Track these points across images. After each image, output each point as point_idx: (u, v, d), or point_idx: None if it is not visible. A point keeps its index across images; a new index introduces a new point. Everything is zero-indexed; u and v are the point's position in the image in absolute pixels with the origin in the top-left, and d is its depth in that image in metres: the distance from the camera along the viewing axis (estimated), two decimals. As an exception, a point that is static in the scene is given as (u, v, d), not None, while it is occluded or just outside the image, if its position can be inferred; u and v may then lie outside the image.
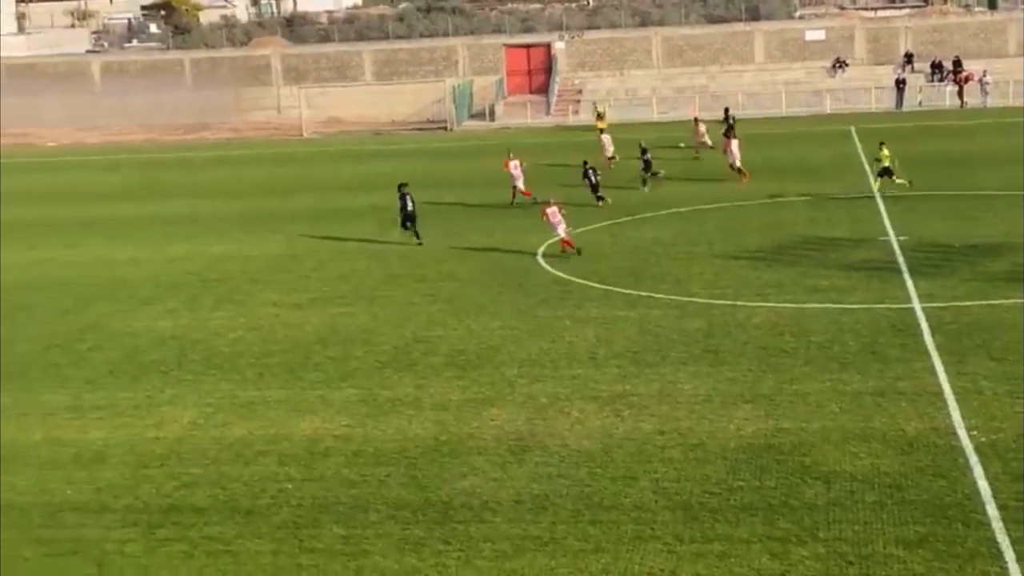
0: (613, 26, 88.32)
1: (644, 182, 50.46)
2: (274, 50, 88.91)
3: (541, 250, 39.29)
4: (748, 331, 29.44)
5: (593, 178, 46.83)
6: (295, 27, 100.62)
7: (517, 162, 49.26)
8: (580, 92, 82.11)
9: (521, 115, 79.89)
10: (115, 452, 23.46)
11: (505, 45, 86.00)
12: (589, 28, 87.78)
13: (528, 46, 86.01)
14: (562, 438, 23.05)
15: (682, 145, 61.55)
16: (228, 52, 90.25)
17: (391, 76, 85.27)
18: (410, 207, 41.65)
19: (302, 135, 78.02)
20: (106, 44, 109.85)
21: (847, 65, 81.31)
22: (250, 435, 24.04)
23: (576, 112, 78.71)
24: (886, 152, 46.42)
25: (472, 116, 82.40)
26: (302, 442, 23.52)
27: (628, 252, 38.83)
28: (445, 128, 78.26)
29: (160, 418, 25.29)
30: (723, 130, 58.83)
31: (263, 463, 22.56)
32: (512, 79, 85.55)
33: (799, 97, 78.17)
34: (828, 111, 75.87)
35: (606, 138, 58.43)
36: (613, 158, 56.15)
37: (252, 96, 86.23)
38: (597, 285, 34.60)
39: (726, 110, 66.78)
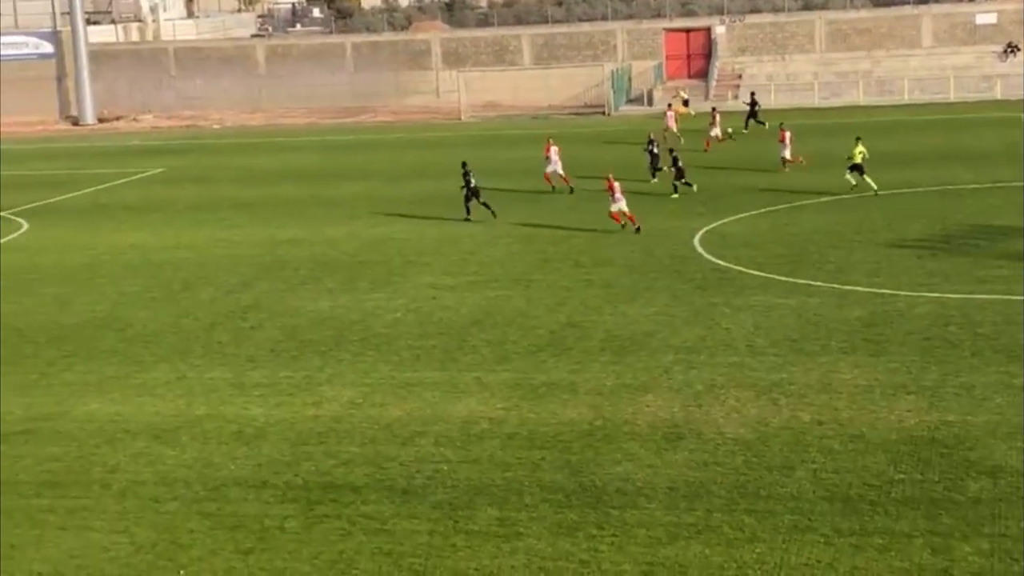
0: (775, 10, 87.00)
1: (653, 174, 49.83)
2: (434, 34, 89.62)
3: (698, 237, 38.93)
4: (911, 321, 28.78)
5: (677, 163, 46.43)
6: (455, 11, 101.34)
7: (556, 148, 50.25)
8: (740, 77, 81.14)
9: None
10: (275, 429, 23.91)
11: (665, 29, 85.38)
12: (750, 12, 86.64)
13: (688, 30, 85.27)
14: (718, 426, 22.82)
15: (730, 130, 62.38)
16: (389, 36, 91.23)
17: (549, 60, 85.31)
18: (472, 183, 43.47)
19: (460, 119, 78.53)
20: (270, 28, 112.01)
21: (1019, 50, 78.87)
22: (407, 416, 24.28)
23: (735, 97, 77.78)
24: (860, 148, 45.19)
25: (630, 101, 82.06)
26: (458, 424, 23.67)
27: (787, 239, 38.25)
28: (603, 113, 78.04)
29: (319, 397, 25.69)
30: (747, 116, 61.82)
31: (419, 444, 22.76)
32: (671, 63, 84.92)
33: (968, 83, 76.10)
34: (999, 97, 73.72)
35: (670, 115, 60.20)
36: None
37: (411, 80, 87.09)
38: (755, 272, 34.16)
39: (752, 94, 66.65)
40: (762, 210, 43.01)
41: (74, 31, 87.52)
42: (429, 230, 42.72)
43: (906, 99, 74.97)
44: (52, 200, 53.56)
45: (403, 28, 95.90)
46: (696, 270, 34.84)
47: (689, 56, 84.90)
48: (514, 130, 72.27)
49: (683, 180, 46.36)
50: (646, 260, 36.36)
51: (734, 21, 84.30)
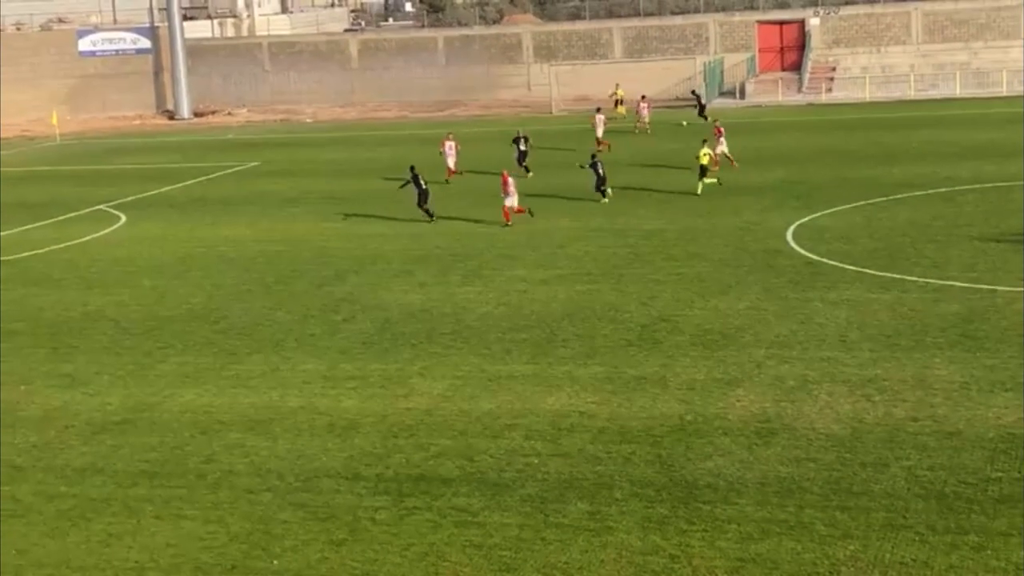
0: (871, 1, 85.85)
1: (527, 169, 50.37)
2: (525, 28, 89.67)
3: (791, 231, 38.58)
4: (1009, 317, 28.28)
5: (599, 169, 46.23)
6: (546, 5, 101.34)
7: (453, 143, 52.97)
8: (834, 69, 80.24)
9: (772, 93, 78.58)
10: (367, 421, 24.07)
11: (758, 22, 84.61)
12: (845, 3, 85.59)
13: (781, 22, 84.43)
14: (810, 421, 22.60)
15: (685, 123, 64.23)
16: (480, 30, 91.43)
17: (641, 53, 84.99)
18: (424, 186, 43.83)
19: (551, 112, 78.48)
20: (363, 23, 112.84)
21: (1121, 39, 77.18)
22: (497, 409, 24.33)
23: (829, 90, 76.97)
24: (705, 151, 46.38)
25: (722, 94, 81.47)
26: (548, 417, 23.68)
27: (882, 233, 37.76)
28: (695, 106, 77.44)
29: (410, 389, 25.83)
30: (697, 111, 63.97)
31: (510, 437, 22.80)
32: (764, 56, 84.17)
33: (1070, 75, 74.52)
34: (1101, 89, 72.19)
35: (599, 118, 60.02)
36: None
37: (503, 73, 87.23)
38: (849, 267, 33.78)
39: (693, 91, 68.95)
40: (856, 204, 42.50)
41: (171, 27, 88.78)
42: (520, 224, 42.71)
43: (1004, 91, 73.59)
44: (148, 194, 54.38)
45: (495, 22, 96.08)
46: (789, 264, 34.52)
47: (782, 49, 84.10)
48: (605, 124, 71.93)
49: (602, 188, 45.92)
50: (738, 254, 36.10)
51: (828, 13, 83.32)
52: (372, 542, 18.85)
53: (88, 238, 44.69)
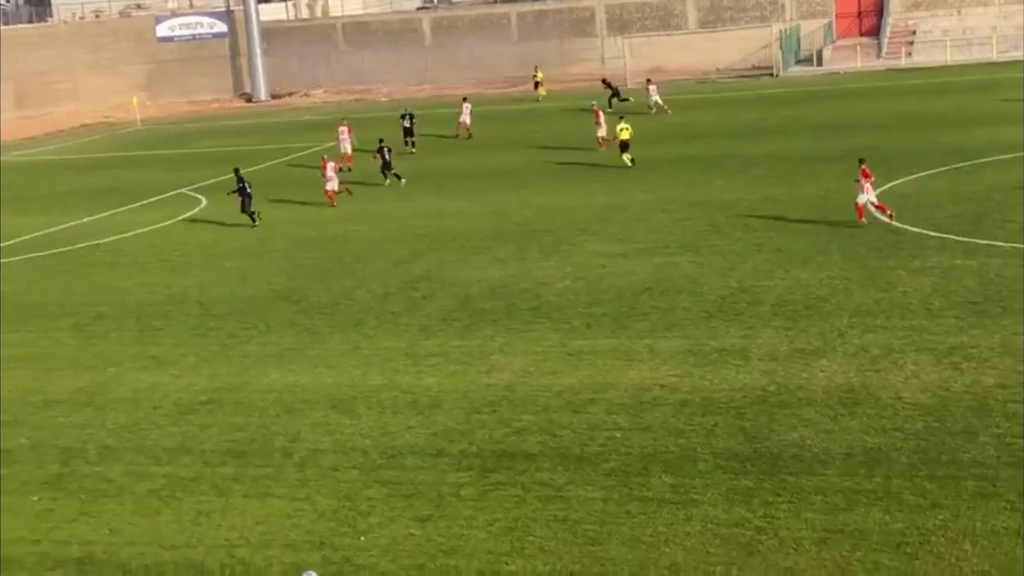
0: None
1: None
2: (598, 1, 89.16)
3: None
4: (1098, 281, 27.79)
5: (386, 155, 48.19)
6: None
7: (345, 128, 54.34)
8: (913, 33, 79.03)
9: (850, 59, 77.55)
10: (449, 398, 24.17)
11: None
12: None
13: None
14: (896, 390, 22.35)
15: (631, 99, 65.06)
16: (553, 4, 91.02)
17: (715, 23, 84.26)
18: (247, 188, 43.02)
19: (626, 85, 78.03)
20: (436, 1, 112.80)
21: None
22: (579, 383, 24.32)
23: (909, 55, 75.87)
24: (624, 125, 47.68)
25: (799, 61, 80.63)
26: (630, 391, 23.63)
27: (966, 199, 37.21)
28: (771, 74, 76.83)
29: (491, 365, 25.89)
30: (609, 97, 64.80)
31: (592, 411, 22.79)
32: (841, 22, 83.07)
33: None
34: None
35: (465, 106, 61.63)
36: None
37: (576, 48, 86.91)
38: (932, 233, 33.33)
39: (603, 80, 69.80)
40: (938, 169, 41.91)
41: (246, 10, 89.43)
42: (597, 198, 42.63)
43: (1090, 51, 72.18)
44: (228, 176, 54.82)
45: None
46: (870, 232, 34.11)
47: (860, 14, 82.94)
48: (679, 95, 71.56)
49: (391, 171, 47.92)
50: (819, 223, 35.73)
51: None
52: (457, 518, 18.95)
53: (170, 221, 45.23)
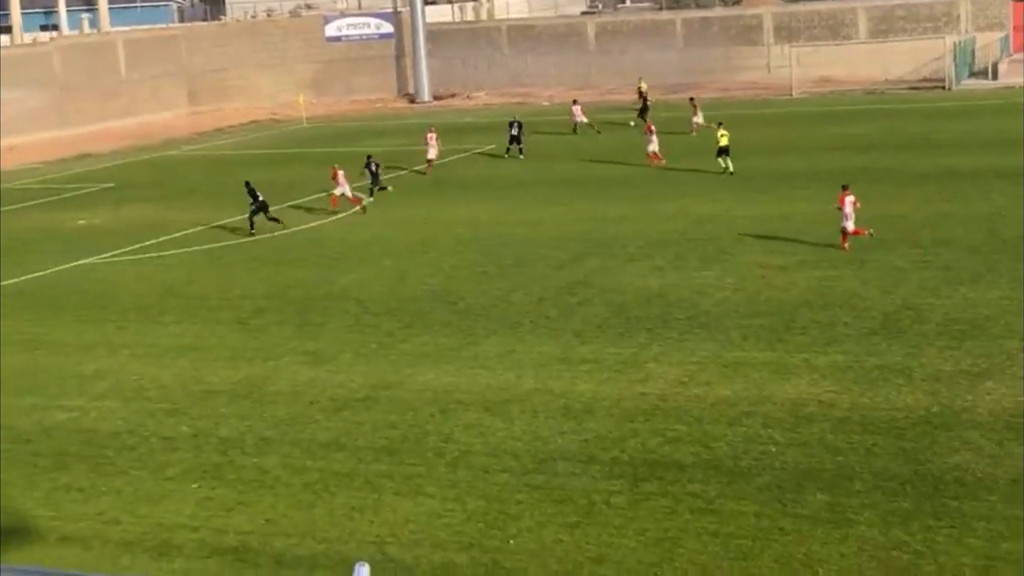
0: None
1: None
2: (766, 9, 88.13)
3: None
4: None
5: (373, 168, 48.57)
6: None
7: (433, 135, 56.14)
8: (1094, 48, 76.46)
9: (1026, 73, 75.27)
10: (602, 405, 24.05)
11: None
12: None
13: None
14: (1066, 417, 21.59)
15: (632, 124, 64.45)
16: (720, 12, 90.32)
17: (887, 34, 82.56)
18: (260, 198, 43.75)
19: (791, 95, 77.02)
20: (600, 6, 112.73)
21: None
22: (734, 396, 24.00)
23: (1088, 69, 73.38)
24: (723, 131, 48.56)
25: (972, 74, 78.54)
26: (786, 405, 23.24)
27: None
28: (943, 87, 74.98)
29: (646, 374, 25.69)
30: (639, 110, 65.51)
31: (747, 424, 22.47)
32: (1019, 35, 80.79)
33: None
34: None
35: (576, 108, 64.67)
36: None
37: (741, 56, 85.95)
38: (1109, 255, 32.15)
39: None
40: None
41: (412, 11, 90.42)
42: (758, 208, 42.08)
43: None
44: (390, 175, 55.48)
45: (735, 3, 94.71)
46: (1042, 252, 33.05)
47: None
48: (848, 106, 70.37)
49: (378, 186, 48.73)
50: (989, 240, 34.75)
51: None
52: (607, 526, 18.83)
53: (332, 219, 45.89)
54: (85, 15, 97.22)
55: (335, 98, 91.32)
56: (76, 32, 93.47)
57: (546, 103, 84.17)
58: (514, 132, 57.87)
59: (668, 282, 33.03)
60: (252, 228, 43.83)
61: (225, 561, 18.73)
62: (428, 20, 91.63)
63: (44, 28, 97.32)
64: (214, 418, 24.92)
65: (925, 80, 77.68)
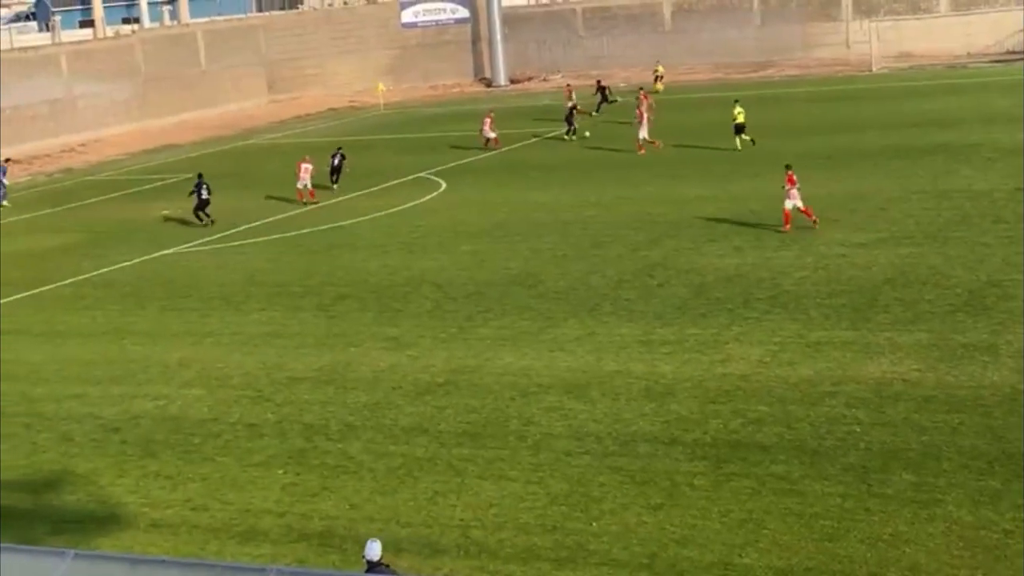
0: None
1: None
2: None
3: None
4: None
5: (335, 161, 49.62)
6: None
7: (489, 120, 57.30)
8: None
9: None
10: (683, 386, 23.98)
11: (1097, -33, 79.53)
12: None
13: (1123, -33, 79.10)
14: None
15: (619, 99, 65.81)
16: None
17: (968, 6, 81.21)
18: (205, 195, 44.75)
19: (871, 70, 76.07)
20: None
21: None
22: (816, 375, 23.82)
23: None
24: (739, 109, 50.35)
25: (1055, 47, 77.11)
26: (870, 385, 23.03)
27: None
28: (1026, 59, 73.70)
29: (727, 355, 25.57)
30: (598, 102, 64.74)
31: (830, 404, 22.30)
32: (1103, 4, 79.08)
33: None
34: None
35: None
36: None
37: (819, 32, 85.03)
38: None
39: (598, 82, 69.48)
40: None
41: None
42: (838, 186, 41.66)
43: None
44: (467, 160, 55.66)
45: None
46: None
47: (1125, -5, 78.78)
48: (929, 81, 69.39)
49: (337, 175, 49.90)
50: (1075, 215, 34.16)
51: None
52: (690, 507, 18.79)
53: (410, 204, 46.11)
54: (166, 7, 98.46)
55: (412, 84, 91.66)
56: (157, 24, 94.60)
57: (623, 84, 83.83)
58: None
59: (747, 262, 32.82)
60: (202, 221, 45.15)
61: (311, 546, 18.94)
62: (503, 4, 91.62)
63: (126, 21, 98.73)
64: (298, 404, 25.17)
65: (1009, 53, 76.36)
